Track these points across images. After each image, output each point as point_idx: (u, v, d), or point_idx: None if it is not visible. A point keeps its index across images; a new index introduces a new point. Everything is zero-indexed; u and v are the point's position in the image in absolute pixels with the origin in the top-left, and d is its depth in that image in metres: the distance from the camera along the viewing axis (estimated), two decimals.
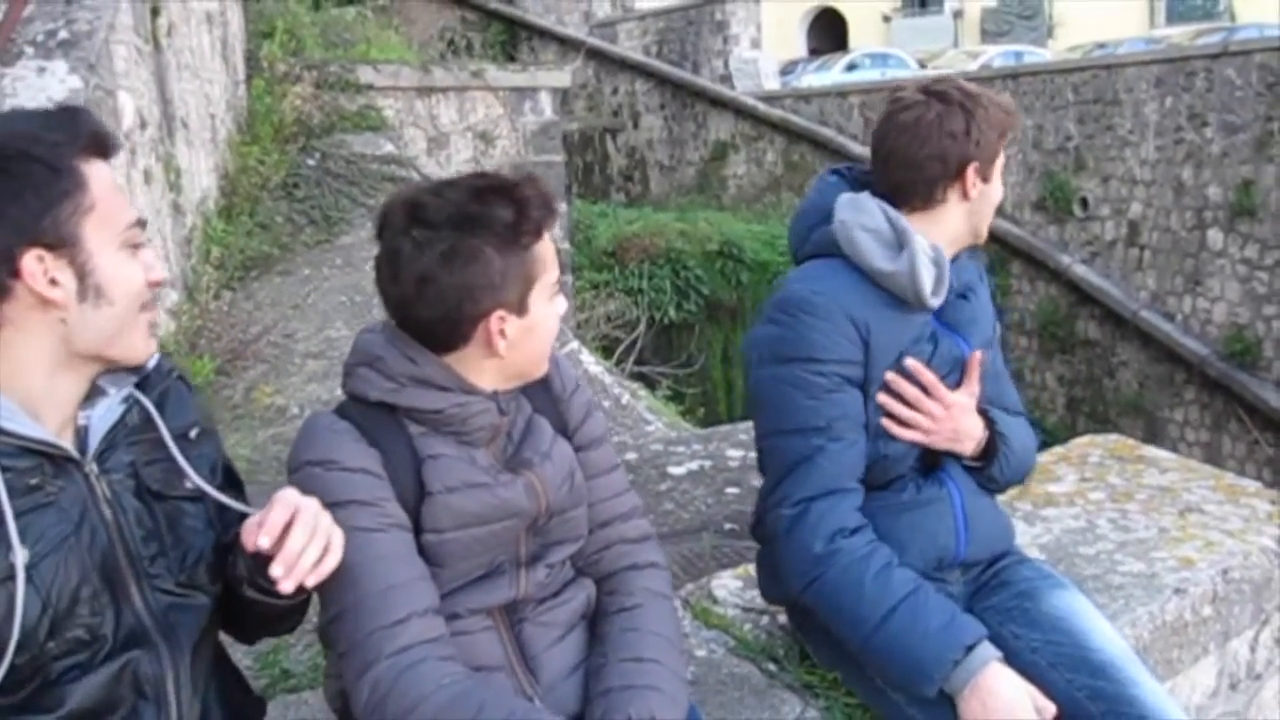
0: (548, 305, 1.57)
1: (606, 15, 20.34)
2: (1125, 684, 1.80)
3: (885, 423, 1.88)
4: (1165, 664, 2.25)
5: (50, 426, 1.31)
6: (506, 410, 1.60)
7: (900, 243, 1.88)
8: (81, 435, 1.35)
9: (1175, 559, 2.44)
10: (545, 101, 8.69)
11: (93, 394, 1.37)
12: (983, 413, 1.95)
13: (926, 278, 1.86)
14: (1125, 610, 2.22)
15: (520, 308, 1.53)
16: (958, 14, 28.62)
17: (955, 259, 1.94)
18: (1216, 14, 25.05)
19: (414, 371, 1.54)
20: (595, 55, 19.02)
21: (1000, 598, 1.94)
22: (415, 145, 8.43)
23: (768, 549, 1.99)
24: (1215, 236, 12.64)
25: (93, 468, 1.33)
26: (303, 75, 7.40)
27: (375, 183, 7.25)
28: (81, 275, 1.28)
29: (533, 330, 1.55)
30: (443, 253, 1.47)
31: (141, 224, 1.36)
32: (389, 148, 7.80)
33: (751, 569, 2.45)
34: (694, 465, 3.94)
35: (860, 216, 1.92)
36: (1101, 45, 20.39)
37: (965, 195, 1.94)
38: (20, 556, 1.22)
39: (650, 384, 9.90)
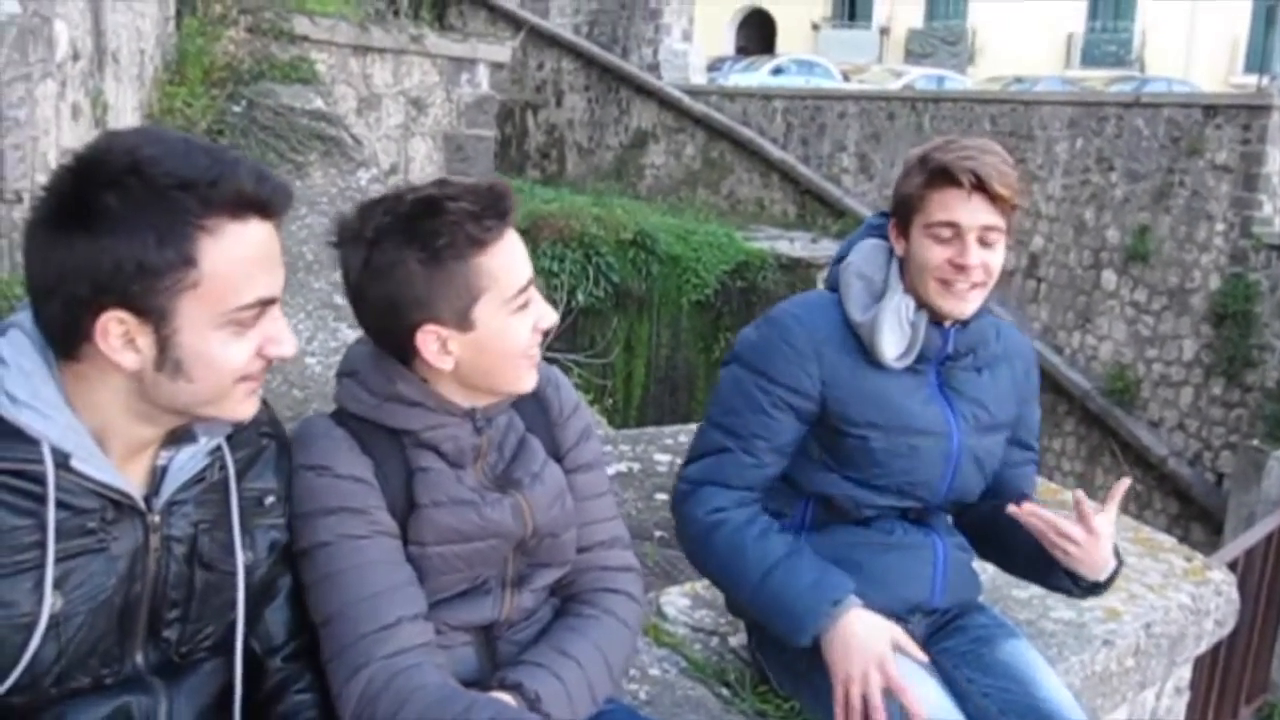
0: (506, 320, 1.49)
1: None
2: None
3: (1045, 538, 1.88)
4: (1089, 712, 2.34)
5: (121, 456, 1.24)
6: (484, 428, 1.57)
7: (883, 295, 1.92)
8: (156, 475, 1.28)
9: (1102, 609, 2.53)
10: (483, 75, 8.57)
11: (180, 434, 1.29)
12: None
13: (889, 336, 1.89)
14: (1059, 658, 2.30)
15: (462, 323, 1.48)
16: (884, 30, 29.14)
17: (966, 325, 1.93)
18: (1128, 62, 26.01)
19: (388, 388, 1.52)
20: (524, 27, 18.80)
21: (956, 641, 2.00)
22: (345, 103, 8.23)
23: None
24: (1109, 277, 13.15)
25: (155, 519, 1.26)
26: (238, 19, 7.15)
27: (303, 138, 7.03)
28: (163, 347, 1.19)
29: (485, 346, 1.49)
30: (361, 265, 1.46)
31: (265, 302, 1.24)
32: (319, 103, 7.58)
33: (699, 587, 2.48)
34: (622, 467, 3.94)
35: (863, 263, 1.96)
36: (1020, 80, 20.98)
37: (903, 250, 1.94)
38: (49, 605, 1.16)
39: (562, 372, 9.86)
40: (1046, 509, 1.90)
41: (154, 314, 1.18)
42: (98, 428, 1.22)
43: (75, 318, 1.17)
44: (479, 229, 1.45)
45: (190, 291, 1.18)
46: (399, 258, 1.44)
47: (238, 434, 1.36)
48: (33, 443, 1.17)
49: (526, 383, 1.56)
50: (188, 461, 1.30)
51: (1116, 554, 1.94)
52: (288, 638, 1.46)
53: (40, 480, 1.17)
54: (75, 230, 1.15)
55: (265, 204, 1.22)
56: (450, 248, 1.44)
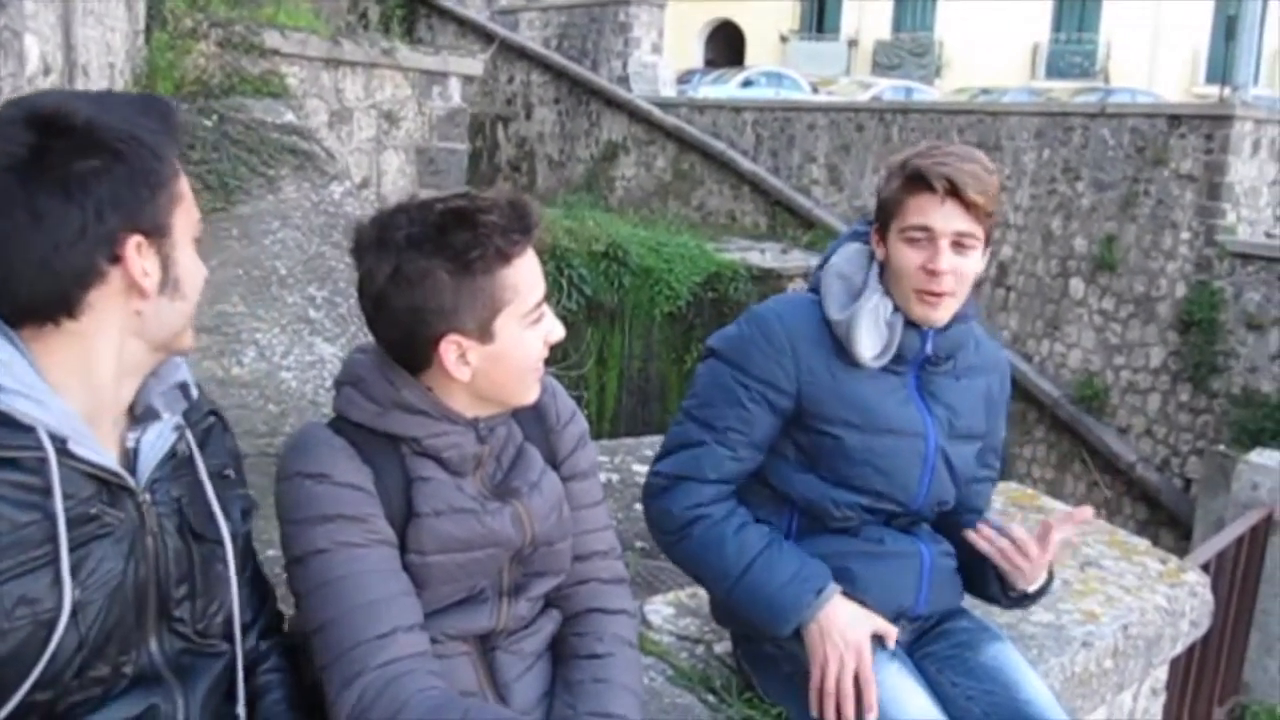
0: (522, 333, 1.53)
1: (509, 2, 20.14)
2: None
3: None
4: (1070, 713, 2.36)
5: (105, 437, 1.26)
6: (486, 438, 1.58)
7: (861, 294, 1.94)
8: (130, 458, 1.29)
9: (1080, 612, 2.57)
10: (455, 88, 8.57)
11: (144, 414, 1.31)
12: None
13: (866, 336, 1.91)
14: (1039, 660, 2.33)
15: (482, 334, 1.49)
16: (852, 42, 29.36)
17: (945, 329, 1.95)
18: (1093, 73, 26.33)
19: (393, 396, 1.52)
20: (494, 40, 18.81)
21: (939, 646, 2.02)
22: (317, 117, 8.20)
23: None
24: (1077, 285, 13.28)
25: (145, 497, 1.27)
26: (209, 33, 7.12)
27: (275, 152, 7.00)
28: (166, 266, 1.26)
29: (501, 359, 1.52)
30: (390, 274, 1.46)
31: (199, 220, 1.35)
32: (290, 117, 7.56)
33: (682, 595, 2.49)
34: (601, 479, 3.93)
35: (843, 264, 1.98)
36: (987, 91, 21.18)
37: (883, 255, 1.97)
38: (69, 596, 1.16)
39: None
40: (998, 530, 1.96)
41: (160, 232, 1.25)
42: (86, 407, 1.23)
43: (95, 260, 1.20)
44: (506, 242, 1.47)
45: (179, 205, 1.28)
46: (429, 267, 1.44)
47: (190, 411, 1.39)
48: (26, 430, 1.16)
49: (533, 395, 1.60)
50: (157, 440, 1.32)
51: (1049, 569, 2.03)
52: (256, 609, 1.49)
53: (37, 470, 1.16)
54: (77, 176, 1.17)
55: (182, 140, 1.35)
56: (481, 260, 1.45)
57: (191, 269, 1.31)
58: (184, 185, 1.29)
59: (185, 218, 1.29)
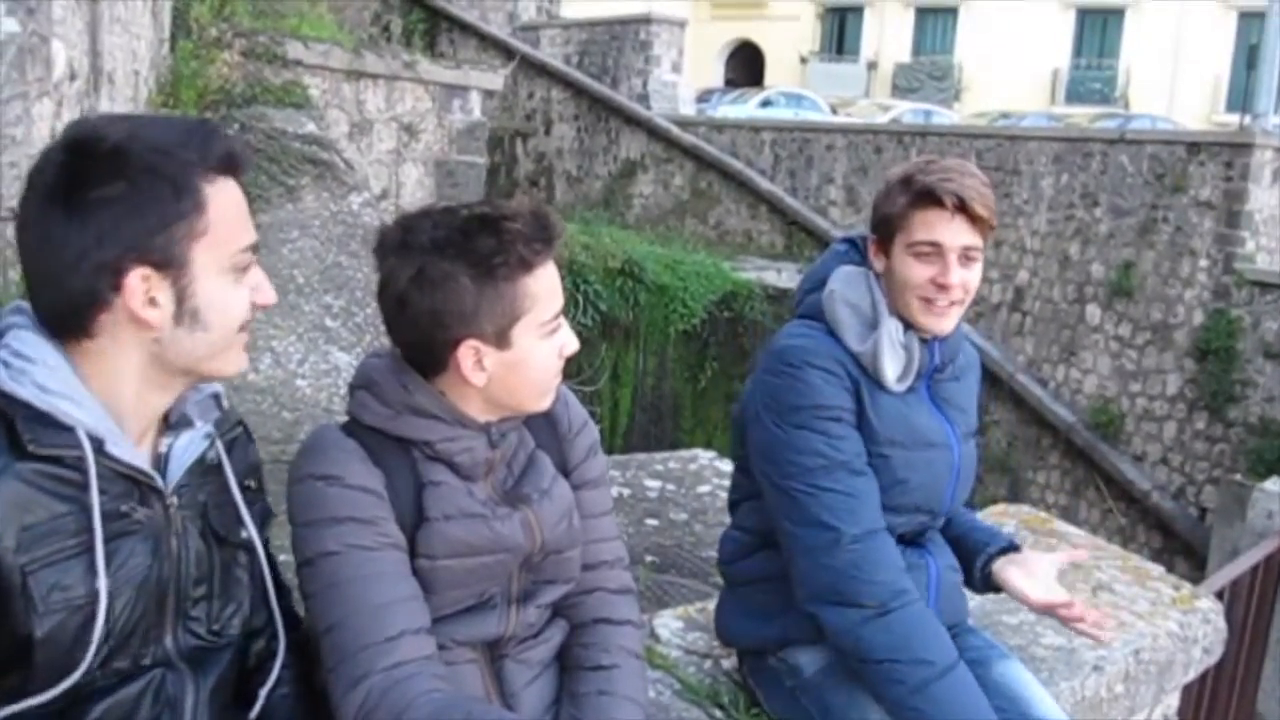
0: (539, 342, 1.54)
1: (531, 19, 20.25)
2: None
3: None
4: None
5: (135, 439, 1.30)
6: (498, 443, 1.59)
7: (875, 322, 1.94)
8: (161, 460, 1.34)
9: None
10: (475, 101, 8.61)
11: (177, 421, 1.36)
12: None
13: (890, 362, 1.92)
14: (1049, 683, 2.31)
15: (500, 341, 1.51)
16: (872, 65, 29.43)
17: (944, 339, 1.98)
18: (1112, 99, 26.31)
19: (405, 399, 1.54)
20: (514, 56, 18.91)
21: None
22: (337, 128, 8.26)
23: (767, 586, 2.01)
24: (1093, 311, 13.23)
25: (173, 500, 1.32)
26: (232, 42, 7.19)
27: (295, 162, 7.06)
28: (181, 298, 1.27)
29: (516, 366, 1.53)
30: (413, 276, 1.47)
31: (254, 248, 1.34)
32: (311, 127, 7.63)
33: (691, 610, 2.48)
34: (613, 493, 3.94)
35: (847, 290, 1.97)
36: (1006, 115, 21.19)
37: (883, 267, 1.97)
38: (104, 584, 1.21)
39: None
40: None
41: (173, 265, 1.25)
42: (115, 411, 1.28)
43: (97, 286, 1.22)
44: (529, 251, 1.48)
45: (202, 239, 1.26)
46: (452, 270, 1.46)
47: (221, 421, 1.42)
48: (67, 430, 1.22)
49: (546, 403, 1.61)
50: (188, 446, 1.36)
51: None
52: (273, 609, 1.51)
53: (76, 466, 1.22)
54: (86, 202, 1.21)
55: (243, 162, 1.33)
56: (504, 266, 1.47)
57: (218, 300, 1.29)
58: (215, 215, 1.27)
59: (213, 250, 1.27)
